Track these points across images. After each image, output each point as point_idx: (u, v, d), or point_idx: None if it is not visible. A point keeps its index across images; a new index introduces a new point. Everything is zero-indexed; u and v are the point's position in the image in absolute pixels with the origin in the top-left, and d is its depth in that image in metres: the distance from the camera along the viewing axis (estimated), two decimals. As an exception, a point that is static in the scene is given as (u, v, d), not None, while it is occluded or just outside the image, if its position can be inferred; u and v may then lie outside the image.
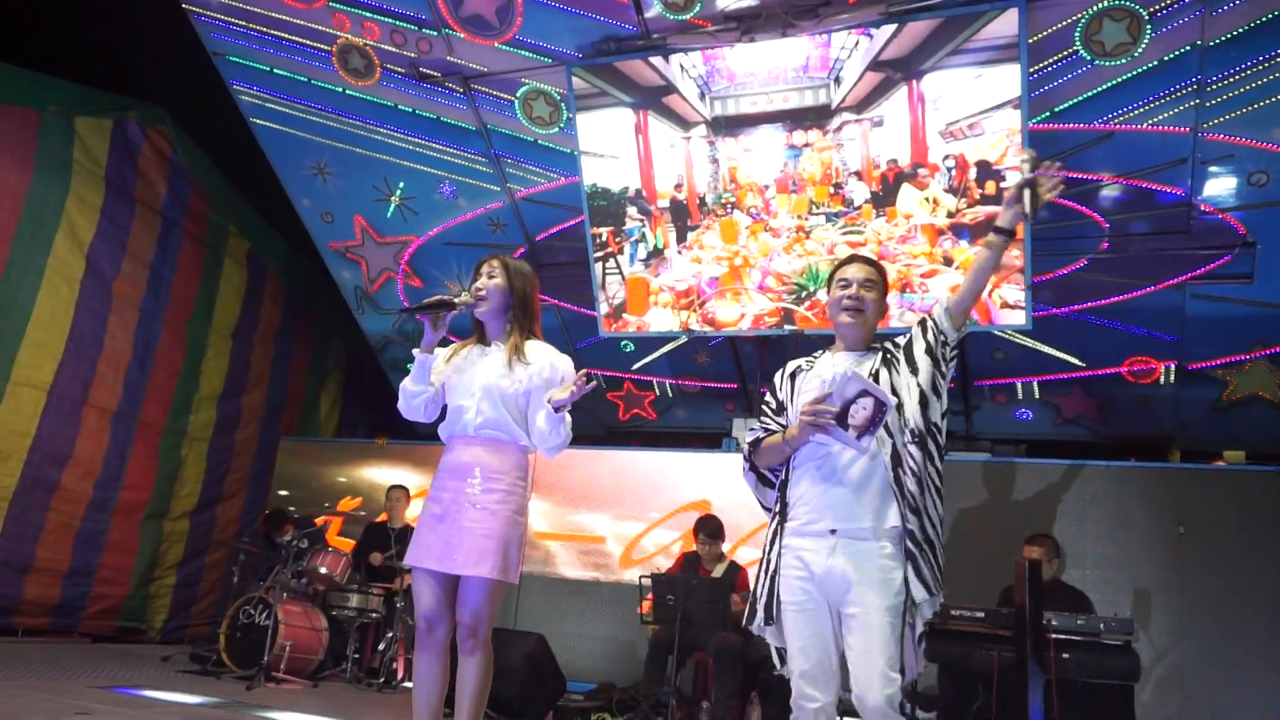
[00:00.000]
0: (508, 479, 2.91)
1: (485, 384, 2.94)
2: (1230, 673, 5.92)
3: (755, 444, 2.84)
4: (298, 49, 7.20)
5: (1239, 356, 6.97)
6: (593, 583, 7.45)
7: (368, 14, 6.81)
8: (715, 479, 7.16)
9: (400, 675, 6.40)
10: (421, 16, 6.71)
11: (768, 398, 2.90)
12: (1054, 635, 4.84)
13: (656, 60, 6.67)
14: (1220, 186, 6.32)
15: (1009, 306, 6.56)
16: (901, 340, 2.80)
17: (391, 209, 8.16)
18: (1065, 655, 4.81)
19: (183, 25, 7.18)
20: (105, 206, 7.44)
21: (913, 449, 2.63)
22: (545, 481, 7.78)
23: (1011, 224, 2.74)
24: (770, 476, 2.88)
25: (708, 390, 8.64)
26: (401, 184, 7.98)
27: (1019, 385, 7.77)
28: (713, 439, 7.88)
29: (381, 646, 6.61)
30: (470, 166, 7.71)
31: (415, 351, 3.01)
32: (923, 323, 2.79)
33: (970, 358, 7.58)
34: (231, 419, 8.78)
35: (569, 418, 2.95)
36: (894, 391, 2.67)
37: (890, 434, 2.63)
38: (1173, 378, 7.26)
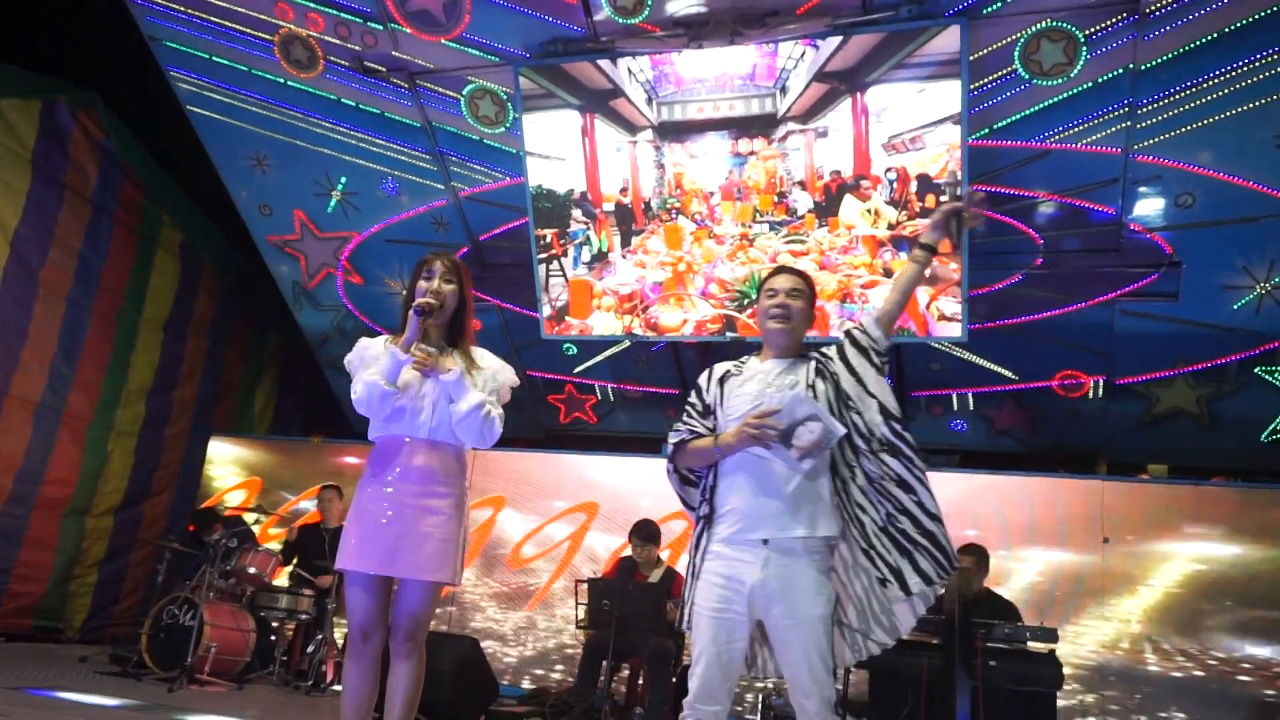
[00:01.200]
0: (458, 483, 2.92)
1: (439, 390, 2.91)
2: (1149, 676, 6.09)
3: (680, 445, 2.82)
4: (238, 37, 7.04)
5: (1164, 373, 7.18)
6: (528, 587, 7.41)
7: (312, 4, 6.69)
8: (652, 484, 7.16)
9: (330, 678, 6.29)
10: (367, 9, 6.62)
11: (693, 399, 2.88)
12: (982, 644, 4.94)
13: (604, 63, 6.66)
14: (1149, 207, 6.51)
15: (946, 319, 6.67)
16: (831, 351, 2.82)
17: (332, 204, 8.03)
18: (992, 663, 4.91)
19: (118, 7, 6.97)
20: (32, 192, 7.19)
21: (886, 458, 2.64)
22: (482, 485, 7.71)
23: (935, 242, 2.87)
24: (692, 476, 2.88)
25: (649, 395, 8.65)
26: (343, 179, 7.85)
27: (954, 396, 7.91)
28: (653, 444, 7.88)
29: (311, 649, 6.49)
30: (414, 164, 7.62)
31: (394, 350, 2.87)
32: (849, 334, 2.81)
33: (908, 368, 7.70)
34: (162, 414, 8.55)
35: (495, 425, 2.91)
36: (833, 403, 2.69)
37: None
38: (1101, 392, 7.45)
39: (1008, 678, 4.92)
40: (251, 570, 6.42)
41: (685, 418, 2.85)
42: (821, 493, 2.65)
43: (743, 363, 2.89)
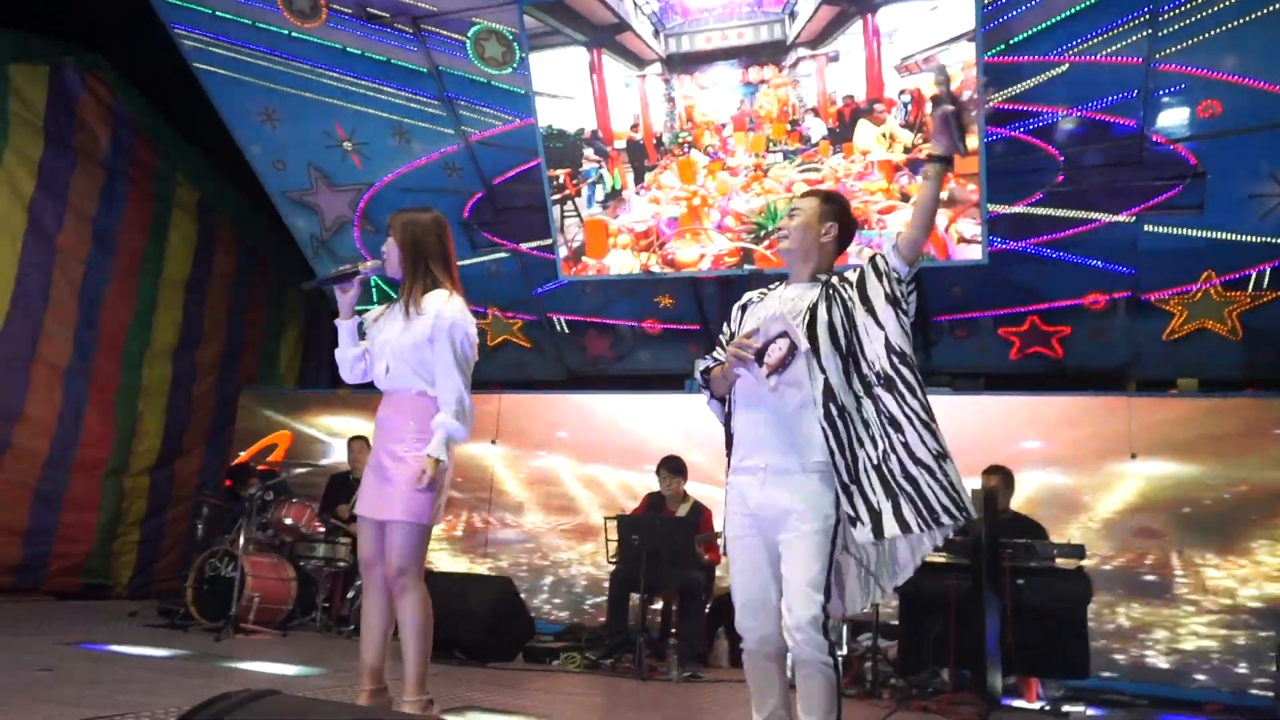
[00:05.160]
0: (411, 426, 3.04)
1: (388, 340, 3.08)
2: (1179, 590, 6.12)
3: (705, 373, 2.86)
4: (240, -11, 6.97)
5: (1189, 286, 7.08)
6: (558, 527, 7.51)
7: (310, -48, 6.60)
8: (679, 421, 7.20)
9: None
10: (366, -46, 6.52)
11: (725, 328, 2.92)
12: (1009, 563, 4.97)
13: (609, -4, 6.54)
14: (1172, 117, 6.36)
15: (966, 241, 6.60)
16: (851, 276, 2.76)
17: (344, 155, 7.99)
18: (1020, 582, 4.95)
19: (117, -34, 6.91)
20: (44, 158, 7.21)
21: (880, 392, 2.57)
22: (510, 428, 7.80)
23: (947, 151, 2.66)
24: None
25: (670, 332, 8.64)
26: (353, 129, 7.81)
27: (977, 319, 7.85)
28: (675, 381, 7.89)
29: (350, 594, 6.64)
30: (423, 110, 7.55)
31: (336, 322, 3.15)
32: (872, 260, 2.73)
33: (929, 293, 7.63)
34: (188, 372, 8.65)
35: (464, 406, 3.05)
36: (840, 329, 2.63)
37: (824, 370, 2.59)
38: (1127, 309, 7.36)
39: (1036, 596, 4.97)
40: (288, 521, 6.55)
41: (717, 348, 2.88)
42: (811, 419, 2.58)
43: (768, 290, 2.88)
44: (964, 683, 4.88)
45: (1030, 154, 6.73)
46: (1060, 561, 5.16)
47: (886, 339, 2.60)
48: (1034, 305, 7.57)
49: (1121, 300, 7.32)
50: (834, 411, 2.57)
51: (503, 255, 8.19)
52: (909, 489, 2.50)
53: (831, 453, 2.55)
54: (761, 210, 6.95)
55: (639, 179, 7.18)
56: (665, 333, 8.68)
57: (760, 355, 2.59)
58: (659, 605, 6.29)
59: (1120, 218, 6.83)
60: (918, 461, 2.51)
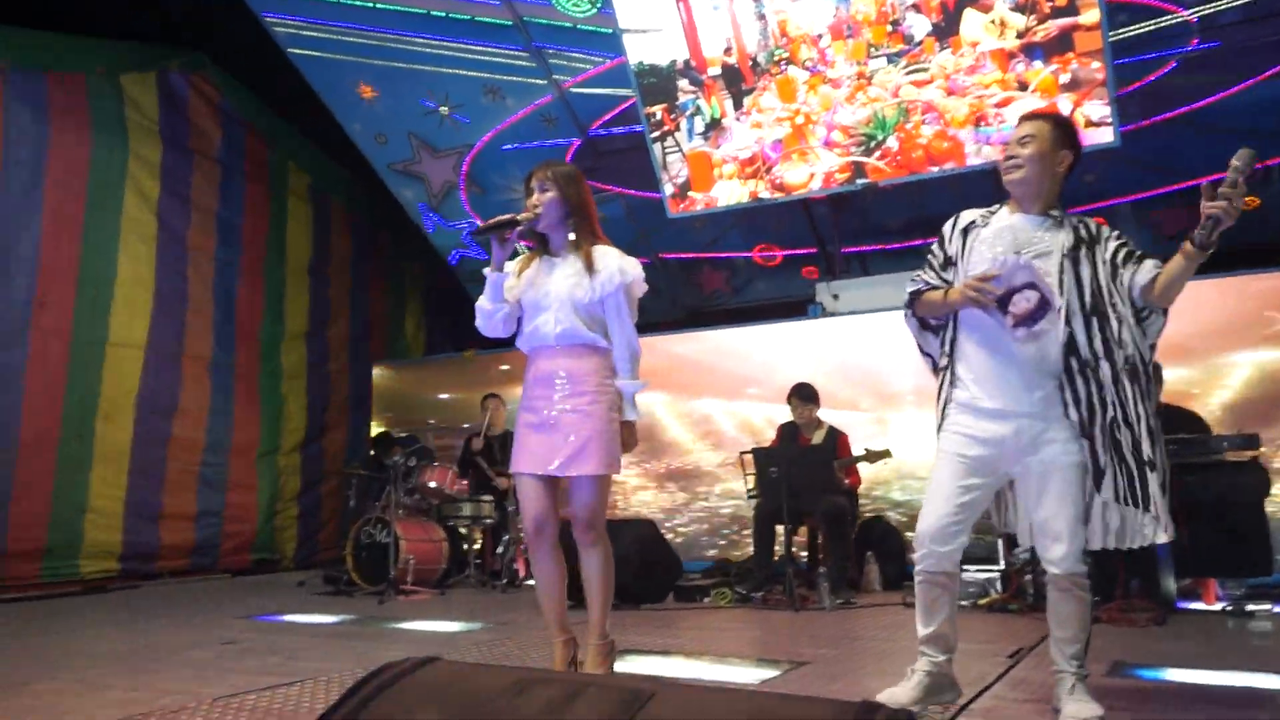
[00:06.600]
0: (593, 380, 3.01)
1: (560, 295, 3.01)
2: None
3: (915, 294, 2.80)
4: (321, -32, 7.04)
5: (1354, 142, 6.46)
6: (700, 465, 7.51)
7: (384, -81, 6.58)
8: (804, 347, 7.05)
9: (522, 574, 6.60)
10: (438, -87, 6.46)
11: (935, 249, 2.82)
12: (1173, 460, 4.68)
13: (687, -82, 6.31)
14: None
15: (1094, 125, 6.17)
16: (1096, 230, 2.65)
17: (441, 120, 8.05)
18: (1188, 479, 4.66)
19: (205, -36, 7.07)
20: (165, 161, 7.52)
21: (1125, 380, 2.53)
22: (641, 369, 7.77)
23: (1212, 245, 2.48)
24: (932, 323, 2.84)
25: (786, 258, 8.45)
26: (446, 93, 7.84)
27: (1114, 207, 7.37)
28: (797, 307, 7.71)
29: (500, 549, 6.81)
30: (512, 64, 7.51)
31: (486, 271, 3.08)
32: (1123, 250, 2.60)
33: (1057, 186, 7.20)
34: (321, 353, 8.98)
35: (638, 359, 3.10)
36: (1089, 287, 2.56)
37: (1069, 324, 2.54)
38: (1281, 175, 6.79)
39: (1207, 492, 4.68)
40: (432, 484, 6.74)
41: (925, 268, 2.81)
42: (1052, 367, 2.55)
43: (991, 212, 2.76)
44: (1133, 590, 4.66)
45: (1157, 19, 6.21)
46: (1231, 455, 4.83)
47: (1134, 335, 2.57)
48: (1176, 184, 7.05)
49: (1276, 167, 6.74)
50: (1074, 366, 2.54)
51: (608, 200, 8.12)
52: (1132, 466, 2.51)
53: (1066, 405, 2.55)
54: (869, 120, 6.66)
55: (738, 104, 6.98)
56: (781, 260, 8.49)
57: (1004, 302, 2.54)
58: (804, 535, 6.22)
59: (1267, 76, 6.25)
60: (1149, 450, 2.52)
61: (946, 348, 2.74)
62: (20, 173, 6.52)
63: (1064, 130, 2.68)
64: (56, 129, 6.75)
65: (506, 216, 3.01)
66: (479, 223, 3.13)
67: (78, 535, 6.75)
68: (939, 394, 2.75)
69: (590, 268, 3.01)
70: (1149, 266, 2.58)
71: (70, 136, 6.84)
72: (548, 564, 3.05)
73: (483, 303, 3.08)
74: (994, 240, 2.67)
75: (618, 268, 3.02)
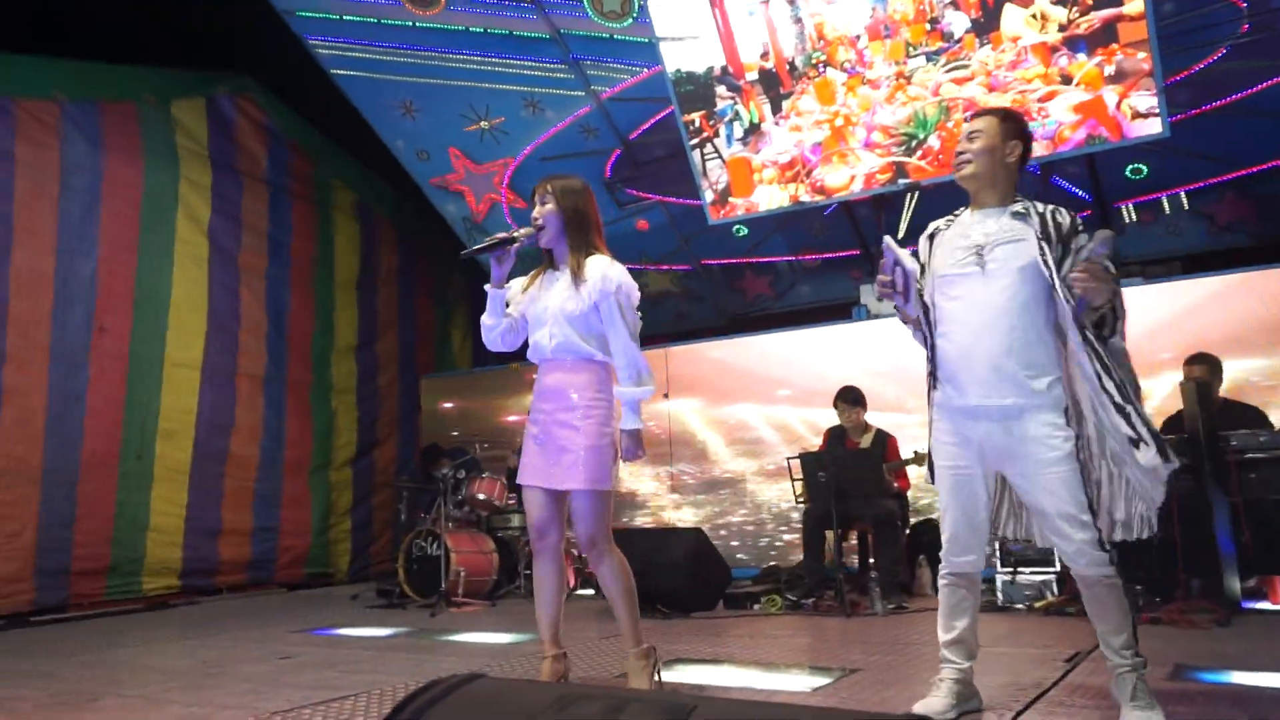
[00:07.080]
0: (587, 394, 3.03)
1: (554, 309, 3.06)
2: None
3: (899, 311, 2.88)
4: (361, -10, 7.15)
5: None
6: (745, 472, 7.47)
7: (421, -61, 6.68)
8: (850, 350, 6.99)
9: (573, 584, 6.62)
10: (474, -70, 6.53)
11: (913, 259, 2.88)
12: (1234, 456, 4.57)
13: (720, -76, 6.31)
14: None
15: (1141, 116, 6.04)
16: (1064, 222, 2.62)
17: (482, 135, 8.13)
18: (1251, 475, 4.54)
19: (248, -10, 7.21)
20: (215, 184, 7.68)
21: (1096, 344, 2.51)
22: (684, 380, 7.77)
23: (1082, 323, 2.51)
24: (916, 334, 2.90)
25: (829, 261, 8.39)
26: (487, 107, 7.92)
27: (1164, 200, 7.21)
28: (841, 311, 7.65)
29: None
30: (551, 76, 7.57)
31: (486, 288, 3.15)
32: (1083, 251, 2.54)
33: (1105, 177, 7.05)
34: (370, 367, 9.10)
35: (640, 367, 3.03)
36: (1048, 269, 2.53)
37: (1051, 299, 2.55)
38: (1339, 162, 6.58)
39: (1270, 488, 4.55)
40: (481, 496, 6.79)
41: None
42: (1019, 355, 2.55)
43: (955, 216, 2.81)
44: (1194, 590, 4.54)
45: (1205, 6, 6.07)
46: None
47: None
48: (1227, 175, 6.88)
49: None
50: (1072, 341, 2.55)
51: (649, 209, 8.14)
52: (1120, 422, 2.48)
53: (1050, 386, 2.57)
54: (909, 120, 6.60)
55: (776, 109, 6.96)
56: (824, 263, 8.44)
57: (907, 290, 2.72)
58: (855, 540, 6.16)
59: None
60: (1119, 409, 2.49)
61: (929, 351, 2.79)
62: (78, 201, 6.72)
63: (1012, 122, 2.72)
64: (110, 158, 6.94)
65: (501, 236, 3.08)
66: (516, 232, 3.16)
67: (140, 553, 6.91)
68: (928, 401, 2.81)
69: (579, 278, 3.04)
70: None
71: (124, 164, 7.02)
72: (547, 573, 3.09)
73: (485, 318, 3.17)
74: (956, 239, 2.71)
75: (601, 275, 3.03)
